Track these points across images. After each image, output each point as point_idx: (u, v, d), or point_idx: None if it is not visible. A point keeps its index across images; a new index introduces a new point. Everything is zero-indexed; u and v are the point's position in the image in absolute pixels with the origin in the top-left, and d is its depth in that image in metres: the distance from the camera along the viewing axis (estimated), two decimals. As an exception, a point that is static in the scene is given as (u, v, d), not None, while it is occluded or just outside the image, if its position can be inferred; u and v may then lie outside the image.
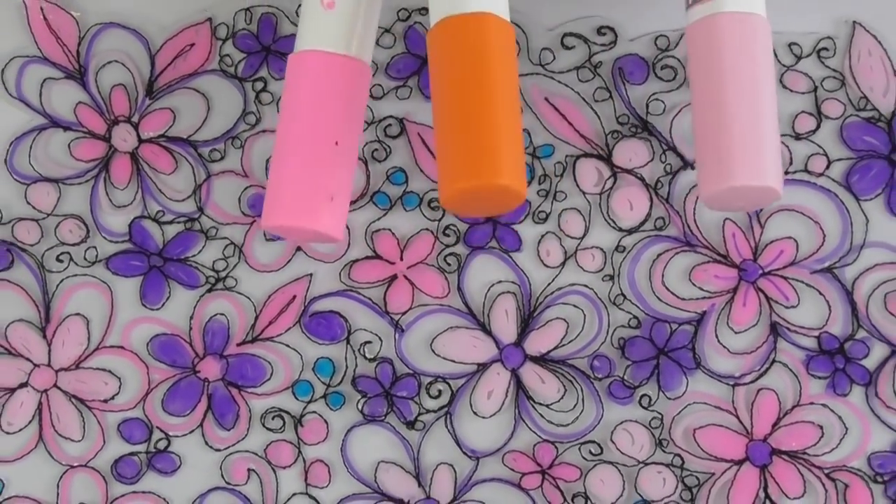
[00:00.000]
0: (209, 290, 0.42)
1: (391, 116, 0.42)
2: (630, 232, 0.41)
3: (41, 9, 0.42)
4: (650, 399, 0.41)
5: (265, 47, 0.42)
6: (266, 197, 0.38)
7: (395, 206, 0.42)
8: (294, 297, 0.42)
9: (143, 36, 0.43)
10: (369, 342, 0.42)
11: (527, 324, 0.41)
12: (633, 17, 0.42)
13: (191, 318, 0.42)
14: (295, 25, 0.43)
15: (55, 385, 0.42)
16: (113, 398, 0.42)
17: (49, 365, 0.42)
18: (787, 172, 0.42)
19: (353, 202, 0.42)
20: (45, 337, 0.42)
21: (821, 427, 0.40)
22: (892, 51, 0.42)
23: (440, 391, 0.41)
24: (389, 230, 0.42)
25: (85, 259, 0.42)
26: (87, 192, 0.43)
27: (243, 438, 0.41)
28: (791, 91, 0.42)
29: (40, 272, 0.42)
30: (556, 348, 0.41)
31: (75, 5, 0.43)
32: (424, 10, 0.42)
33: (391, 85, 0.42)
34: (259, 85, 0.42)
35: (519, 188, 0.35)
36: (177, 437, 0.41)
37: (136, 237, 0.42)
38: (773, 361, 0.41)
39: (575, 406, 0.41)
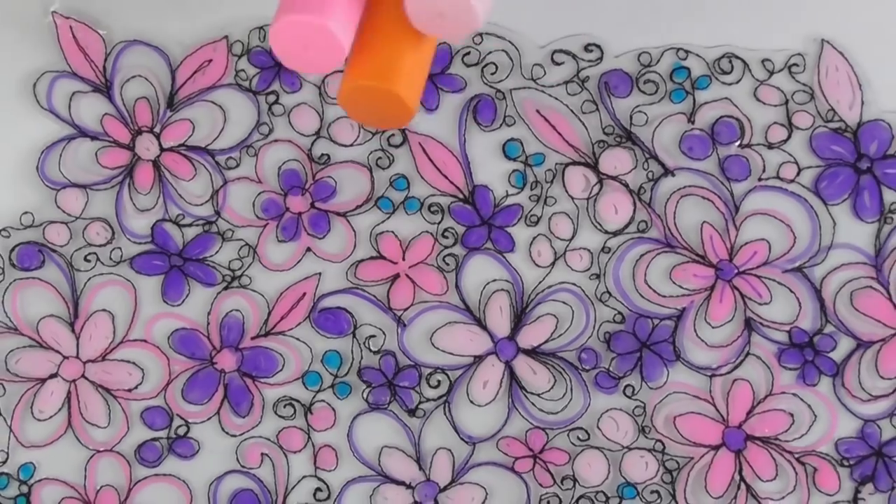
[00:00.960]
0: (225, 288, 0.43)
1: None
2: (615, 234, 0.42)
3: (70, 27, 0.43)
4: (634, 389, 0.42)
5: (277, 63, 0.43)
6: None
7: (397, 210, 0.43)
8: (304, 294, 0.43)
9: (165, 53, 0.44)
10: (374, 336, 0.43)
11: (519, 319, 0.42)
12: (618, 36, 0.43)
13: (208, 313, 0.43)
14: None
15: (83, 376, 0.43)
16: (136, 388, 0.43)
17: (77, 357, 0.43)
18: (760, 179, 0.42)
19: (358, 206, 0.43)
20: (73, 331, 0.43)
21: (791, 415, 0.41)
22: (857, 67, 0.42)
23: (439, 381, 0.42)
24: (392, 232, 0.43)
25: (111, 259, 0.43)
26: (112, 197, 0.44)
27: (257, 425, 0.42)
28: (764, 104, 0.42)
29: (69, 271, 0.43)
30: (546, 342, 0.42)
31: (102, 24, 0.44)
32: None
33: None
34: (272, 98, 0.43)
35: (410, 102, 0.36)
36: (195, 423, 0.42)
37: (158, 239, 0.43)
38: (748, 354, 0.42)
39: (564, 395, 0.42)
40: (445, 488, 0.42)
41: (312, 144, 0.43)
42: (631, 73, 0.43)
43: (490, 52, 0.43)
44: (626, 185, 0.42)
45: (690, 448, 0.42)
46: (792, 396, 0.42)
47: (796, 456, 0.42)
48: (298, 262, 0.43)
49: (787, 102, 0.43)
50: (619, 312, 0.42)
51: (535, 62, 0.43)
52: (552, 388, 0.43)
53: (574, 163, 0.43)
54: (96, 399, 0.43)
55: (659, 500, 0.42)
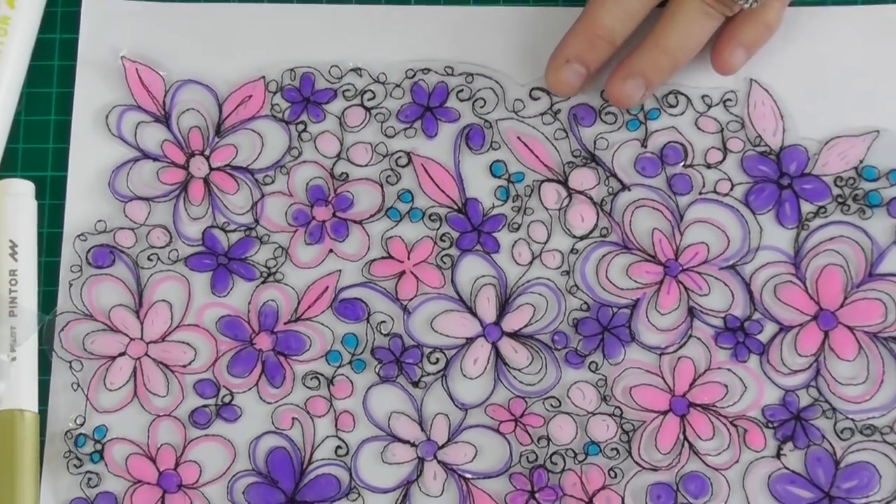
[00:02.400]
0: (263, 282, 0.45)
1: (401, 150, 0.46)
2: (581, 238, 0.45)
3: (136, 69, 0.46)
4: (597, 365, 0.44)
5: (305, 98, 0.46)
6: None
7: (403, 218, 0.45)
8: (327, 287, 0.45)
9: (213, 90, 0.46)
10: (384, 321, 0.44)
11: (503, 308, 0.44)
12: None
13: (249, 303, 0.45)
14: (328, 82, 0.47)
15: (146, 354, 0.44)
16: (190, 364, 0.44)
17: (141, 339, 0.44)
18: (700, 193, 0.45)
19: (371, 215, 0.45)
20: (138, 317, 0.45)
21: (726, 386, 0.43)
22: (779, 101, 0.46)
23: (438, 359, 0.44)
24: (399, 237, 0.45)
25: (169, 258, 0.45)
26: (170, 207, 0.46)
27: (288, 394, 0.44)
28: (703, 131, 0.45)
29: (135, 269, 0.45)
30: (525, 326, 0.44)
31: (162, 66, 0.47)
32: (426, 70, 0.47)
33: (400, 127, 0.46)
34: (301, 127, 0.46)
35: None
36: (238, 393, 0.44)
37: (208, 242, 0.45)
38: (690, 336, 0.44)
39: (540, 370, 0.44)
40: (443, 446, 0.43)
41: (334, 165, 0.46)
42: (594, 107, 0.46)
43: (479, 90, 0.46)
44: (591, 199, 0.45)
45: (643, 413, 0.43)
46: (726, 371, 0.44)
47: (730, 419, 0.43)
48: (322, 261, 0.45)
49: (722, 130, 0.46)
50: (585, 302, 0.44)
51: (516, 97, 0.46)
52: (530, 364, 0.44)
53: (548, 180, 0.45)
54: (157, 373, 0.44)
55: (618, 456, 0.43)
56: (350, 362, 0.44)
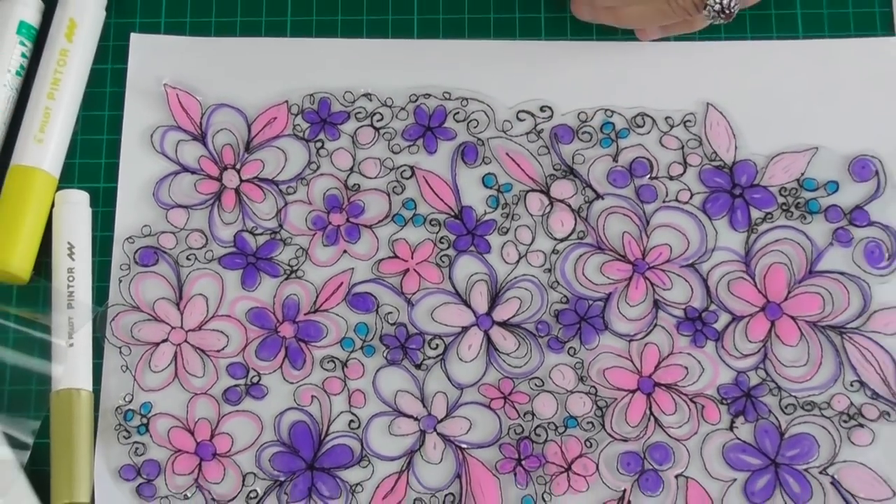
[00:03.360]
0: (286, 279, 0.45)
1: (405, 165, 0.46)
2: (561, 240, 0.45)
3: (177, 95, 0.47)
4: (575, 350, 0.44)
5: (322, 119, 0.46)
6: None
7: (407, 223, 0.45)
8: (341, 283, 0.45)
9: (243, 112, 0.47)
10: (391, 312, 0.44)
11: (494, 300, 0.44)
12: (563, 100, 0.46)
13: (274, 296, 0.45)
14: (342, 105, 0.46)
15: (185, 340, 0.44)
16: (223, 349, 0.44)
17: (181, 327, 0.45)
18: (664, 201, 0.45)
19: (379, 221, 0.45)
20: (178, 309, 0.45)
21: (686, 368, 0.44)
22: (732, 122, 0.46)
23: (437, 345, 0.44)
24: (404, 239, 0.45)
25: (205, 258, 0.45)
26: (206, 214, 0.46)
27: (308, 375, 0.44)
28: (667, 148, 0.46)
29: (176, 267, 0.45)
30: (513, 317, 0.44)
31: (199, 92, 0.47)
32: (427, 95, 0.47)
33: (405, 144, 0.46)
34: (319, 144, 0.46)
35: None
36: (265, 374, 0.44)
37: (239, 243, 0.45)
38: (655, 325, 0.44)
39: (525, 354, 0.44)
40: (442, 420, 0.43)
41: (347, 177, 0.46)
42: (573, 127, 0.46)
43: (473, 112, 0.46)
44: (570, 206, 0.45)
45: (615, 391, 0.43)
46: (687, 355, 0.44)
47: (690, 397, 0.43)
48: (337, 260, 0.45)
49: (682, 147, 0.46)
50: (565, 296, 0.44)
51: (505, 119, 0.46)
52: (517, 349, 0.44)
53: (532, 190, 0.46)
54: (195, 357, 0.44)
55: (593, 429, 0.43)
56: (361, 348, 0.44)
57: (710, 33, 0.46)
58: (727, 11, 0.42)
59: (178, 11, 0.48)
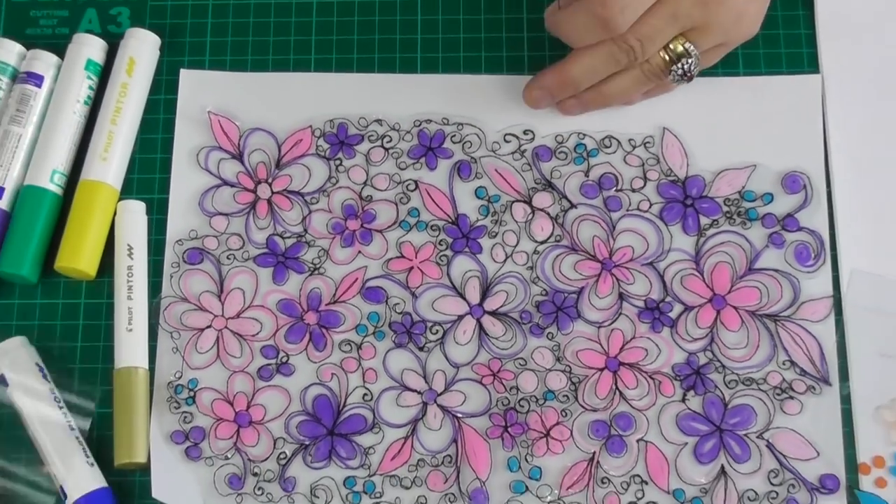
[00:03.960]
0: (310, 275, 0.45)
1: (410, 179, 0.46)
2: (542, 243, 0.45)
3: (219, 120, 0.47)
4: (552, 335, 0.44)
5: (340, 141, 0.47)
6: None
7: (412, 229, 0.46)
8: (357, 278, 0.45)
9: (274, 135, 0.47)
10: (398, 303, 0.45)
11: (485, 293, 0.45)
12: (543, 124, 0.47)
13: (300, 290, 0.45)
14: (357, 129, 0.46)
15: (225, 326, 0.45)
16: (257, 334, 0.44)
17: (222, 315, 0.45)
18: (627, 210, 0.45)
19: (388, 226, 0.45)
20: (220, 300, 0.45)
21: (646, 350, 0.44)
22: (685, 143, 0.46)
23: (437, 330, 0.44)
24: (409, 242, 0.46)
25: (242, 257, 0.46)
26: (243, 221, 0.46)
27: (329, 356, 0.44)
28: (630, 165, 0.46)
29: (217, 265, 0.46)
30: (501, 307, 0.45)
31: (237, 118, 0.48)
32: (429, 121, 0.47)
33: (410, 162, 0.47)
34: (337, 162, 0.47)
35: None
36: (292, 355, 0.44)
37: (270, 245, 0.46)
38: (620, 314, 0.44)
39: (511, 339, 0.44)
40: (441, 394, 0.43)
41: (361, 189, 0.46)
42: (551, 147, 0.47)
43: (467, 135, 0.47)
44: (548, 214, 0.46)
45: (586, 370, 0.44)
46: (646, 339, 0.44)
47: (649, 374, 0.44)
48: (353, 259, 0.45)
49: (643, 164, 0.46)
50: (544, 289, 0.45)
51: (494, 140, 0.47)
52: (504, 334, 0.44)
53: (517, 200, 0.46)
54: (233, 341, 0.44)
55: (567, 401, 0.43)
56: (373, 333, 0.44)
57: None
58: (688, 75, 0.43)
59: (219, 51, 0.49)
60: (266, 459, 0.43)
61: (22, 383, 0.43)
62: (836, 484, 0.42)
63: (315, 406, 0.44)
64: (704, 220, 0.46)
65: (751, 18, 0.43)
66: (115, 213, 0.46)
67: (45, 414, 0.43)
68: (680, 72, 0.43)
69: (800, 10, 0.48)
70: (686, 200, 0.46)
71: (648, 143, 0.47)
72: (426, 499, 0.42)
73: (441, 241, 0.46)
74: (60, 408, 0.43)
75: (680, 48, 0.42)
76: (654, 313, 0.45)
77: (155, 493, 0.42)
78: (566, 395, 0.44)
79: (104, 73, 0.48)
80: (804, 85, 0.47)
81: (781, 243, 0.45)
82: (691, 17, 0.41)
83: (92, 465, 0.42)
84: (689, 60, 0.42)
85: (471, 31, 0.49)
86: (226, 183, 0.47)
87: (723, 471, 0.42)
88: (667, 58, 0.42)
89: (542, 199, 0.46)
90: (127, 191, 0.47)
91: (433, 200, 0.46)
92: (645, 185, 0.46)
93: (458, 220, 0.46)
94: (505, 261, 0.45)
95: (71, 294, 0.45)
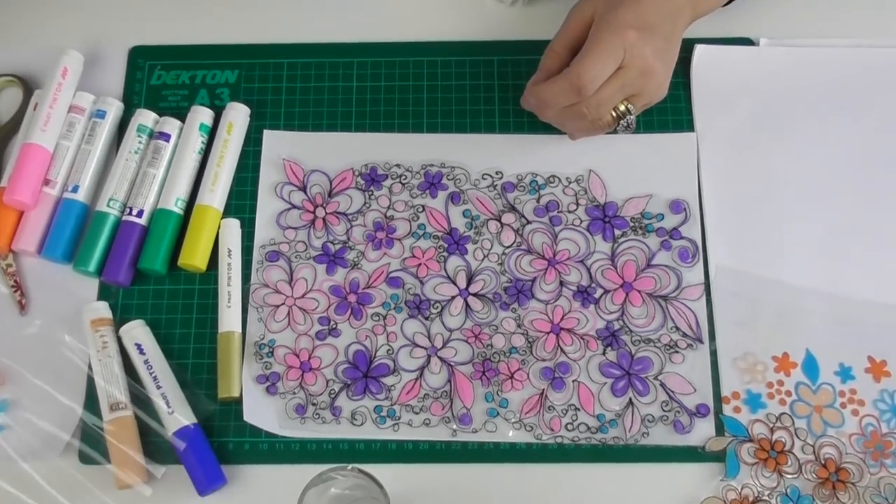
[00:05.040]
0: (351, 269, 0.46)
1: (419, 204, 0.47)
2: (508, 247, 0.47)
3: (290, 164, 0.48)
4: (515, 309, 0.45)
5: (372, 179, 0.47)
6: None
7: (420, 238, 0.47)
8: (383, 271, 0.46)
9: (327, 174, 0.48)
10: (411, 287, 0.46)
11: (469, 281, 0.46)
12: (510, 166, 0.48)
13: (344, 279, 0.46)
14: (383, 171, 0.46)
15: (294, 304, 0.46)
16: (315, 308, 0.46)
17: (292, 296, 0.46)
18: (566, 225, 0.46)
19: (404, 237, 0.46)
20: (290, 286, 0.46)
21: (578, 319, 0.45)
22: (605, 180, 0.48)
23: (437, 306, 0.45)
24: (418, 246, 0.47)
25: (305, 257, 0.47)
26: (306, 232, 0.47)
27: (364, 324, 0.45)
28: (567, 195, 0.47)
29: (289, 262, 0.47)
30: (480, 290, 0.46)
31: (302, 163, 0.48)
32: (432, 165, 0.48)
33: (418, 193, 0.48)
34: (370, 193, 0.48)
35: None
36: (339, 323, 0.45)
37: (324, 249, 0.47)
38: (560, 295, 0.45)
39: (488, 312, 0.45)
40: (440, 349, 0.45)
41: (386, 211, 0.47)
42: (514, 182, 0.48)
43: (458, 174, 0.48)
44: (512, 228, 0.47)
45: (538, 333, 0.45)
46: (578, 312, 0.45)
47: (580, 336, 0.45)
48: (381, 259, 0.46)
49: (576, 194, 0.47)
50: (509, 279, 0.46)
51: (475, 178, 0.48)
52: (483, 309, 0.45)
53: (491, 219, 0.47)
54: (299, 313, 0.45)
55: (525, 353, 0.44)
56: (394, 308, 0.45)
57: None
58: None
59: (289, 117, 0.50)
60: (321, 394, 0.44)
61: (149, 348, 0.44)
62: (707, 410, 0.43)
63: (354, 358, 0.45)
64: (617, 232, 0.47)
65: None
66: (219, 227, 0.47)
67: (163, 369, 0.44)
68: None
69: (681, 91, 0.49)
70: (605, 219, 0.47)
71: (580, 179, 0.48)
72: (430, 420, 0.43)
73: (440, 246, 0.47)
74: (170, 365, 0.44)
75: (622, 108, 0.44)
76: (584, 295, 0.46)
77: (245, 417, 0.43)
78: (524, 350, 0.45)
79: (212, 133, 0.49)
80: (684, 140, 0.48)
81: (669, 247, 0.46)
82: (633, 86, 0.42)
83: (189, 405, 0.43)
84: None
85: (459, 104, 0.49)
86: (294, 207, 0.48)
87: (630, 401, 0.44)
88: (614, 114, 0.44)
89: (508, 218, 0.47)
90: (227, 212, 0.48)
91: (434, 219, 0.47)
92: (577, 208, 0.47)
93: (451, 232, 0.47)
94: (483, 259, 0.46)
95: (189, 282, 0.47)
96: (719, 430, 0.42)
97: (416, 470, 0.42)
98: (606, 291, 0.46)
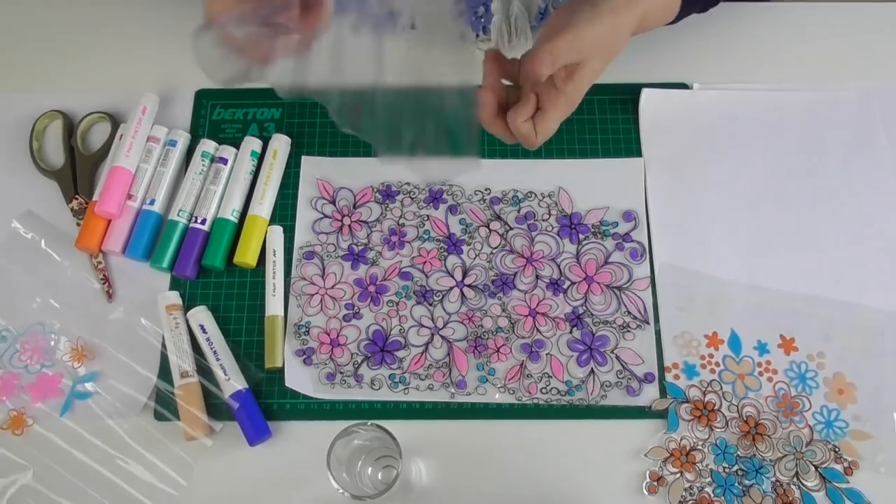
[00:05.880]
0: (371, 266, 0.47)
1: (425, 214, 0.48)
2: (494, 248, 0.47)
3: (322, 183, 0.49)
4: (501, 297, 0.46)
5: (388, 194, 0.48)
6: None
7: (426, 241, 0.47)
8: (396, 267, 0.47)
9: (352, 190, 0.49)
10: (418, 280, 0.46)
11: (464, 275, 0.47)
12: (495, 184, 0.48)
13: (366, 273, 0.47)
14: (396, 187, 0.47)
15: (326, 293, 0.46)
16: (342, 297, 0.46)
17: (324, 287, 0.47)
18: (541, 231, 0.46)
19: (413, 240, 0.46)
20: (323, 279, 0.47)
21: (550, 305, 0.46)
22: (571, 195, 0.48)
23: (439, 295, 0.46)
24: (424, 248, 0.47)
25: (334, 256, 0.47)
26: (335, 236, 0.48)
27: (381, 309, 0.45)
28: (541, 207, 0.48)
29: (321, 260, 0.47)
30: (473, 282, 0.47)
31: (332, 181, 0.49)
32: (434, 184, 0.48)
33: (424, 205, 0.48)
34: (386, 205, 0.48)
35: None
36: (361, 308, 0.46)
37: (350, 250, 0.48)
38: (536, 286, 0.46)
39: (480, 300, 0.46)
40: (441, 329, 0.46)
41: (399, 220, 0.48)
42: (500, 197, 0.48)
43: (455, 191, 0.48)
44: (499, 233, 0.48)
45: (519, 316, 0.46)
46: (551, 300, 0.46)
47: (552, 318, 0.46)
48: (394, 257, 0.47)
49: (549, 207, 0.48)
50: (496, 273, 0.47)
51: (469, 193, 0.48)
52: (475, 297, 0.46)
53: (482, 226, 0.48)
54: (330, 301, 0.46)
55: (509, 332, 0.45)
56: (405, 296, 0.46)
57: (559, 157, 0.49)
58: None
59: (322, 145, 0.50)
60: (347, 365, 0.45)
61: (210, 328, 0.46)
62: (653, 377, 0.44)
63: (373, 335, 0.46)
64: (581, 236, 0.48)
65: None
66: (266, 232, 0.48)
67: (221, 345, 0.45)
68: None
69: (631, 125, 0.50)
70: (572, 226, 0.48)
71: (552, 194, 0.49)
72: (433, 385, 0.44)
73: (441, 247, 0.48)
74: (227, 342, 0.45)
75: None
76: (555, 286, 0.46)
77: (287, 383, 0.44)
78: (508, 330, 0.46)
79: (260, 158, 0.50)
80: (633, 164, 0.49)
81: (622, 248, 0.47)
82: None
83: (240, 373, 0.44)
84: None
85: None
86: (326, 216, 0.49)
87: (592, 370, 0.45)
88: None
89: (495, 225, 0.48)
90: (273, 220, 0.48)
91: (437, 226, 0.48)
92: (550, 217, 0.48)
93: (450, 236, 0.48)
94: (475, 258, 0.47)
95: (242, 275, 0.48)
96: (663, 393, 0.44)
97: (422, 425, 0.44)
98: (573, 283, 0.47)
